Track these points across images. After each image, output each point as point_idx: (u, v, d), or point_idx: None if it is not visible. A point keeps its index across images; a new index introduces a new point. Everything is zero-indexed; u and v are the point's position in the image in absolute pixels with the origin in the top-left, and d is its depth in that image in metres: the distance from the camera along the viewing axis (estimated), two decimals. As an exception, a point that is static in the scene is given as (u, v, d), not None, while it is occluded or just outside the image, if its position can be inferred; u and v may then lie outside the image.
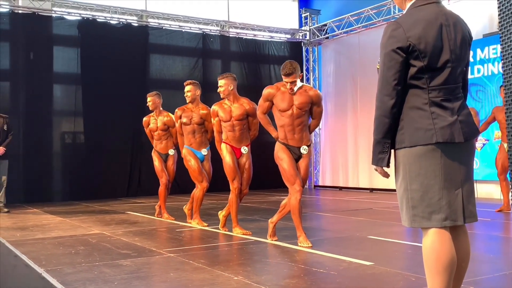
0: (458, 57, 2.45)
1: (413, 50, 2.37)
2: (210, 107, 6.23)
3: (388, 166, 2.48)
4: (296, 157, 5.16)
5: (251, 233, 5.87)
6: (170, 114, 7.51)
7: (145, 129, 7.77)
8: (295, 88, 5.05)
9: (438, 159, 2.38)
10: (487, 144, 9.43)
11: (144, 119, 7.72)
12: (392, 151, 2.50)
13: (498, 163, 7.71)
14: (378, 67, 2.47)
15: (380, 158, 2.46)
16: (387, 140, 2.45)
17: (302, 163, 5.17)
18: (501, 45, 2.71)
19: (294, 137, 5.13)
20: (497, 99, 9.51)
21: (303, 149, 5.15)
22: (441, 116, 2.38)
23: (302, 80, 5.45)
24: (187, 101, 6.74)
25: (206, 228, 6.48)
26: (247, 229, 5.99)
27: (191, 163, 6.63)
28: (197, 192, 6.65)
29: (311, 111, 5.23)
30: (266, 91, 5.24)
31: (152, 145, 7.74)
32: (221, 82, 5.93)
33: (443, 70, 2.41)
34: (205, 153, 6.73)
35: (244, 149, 6.00)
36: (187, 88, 6.72)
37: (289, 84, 5.02)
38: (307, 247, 4.95)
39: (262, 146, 9.86)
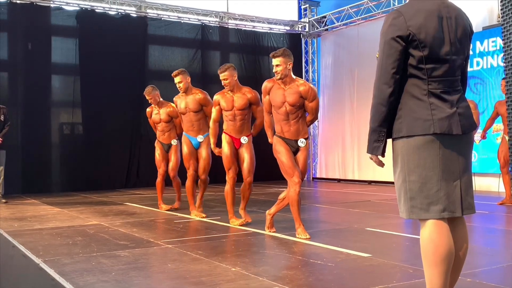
0: (458, 50, 2.45)
1: (413, 39, 2.36)
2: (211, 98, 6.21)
3: (383, 155, 2.48)
4: (294, 150, 5.15)
5: (250, 219, 5.86)
6: (173, 105, 7.49)
7: (148, 119, 7.77)
8: (279, 74, 5.01)
9: (436, 151, 2.38)
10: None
11: (147, 110, 7.72)
12: (389, 142, 2.50)
13: (500, 156, 7.65)
14: (377, 56, 2.46)
15: (375, 147, 2.46)
16: (383, 128, 2.44)
17: (300, 156, 5.16)
18: (502, 39, 2.70)
19: (290, 129, 5.12)
20: (496, 91, 9.48)
21: (301, 142, 5.14)
22: (439, 107, 2.38)
23: (301, 73, 5.44)
24: (181, 92, 6.69)
25: (205, 219, 6.48)
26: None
27: (183, 150, 6.76)
28: (187, 181, 6.65)
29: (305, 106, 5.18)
30: (263, 85, 5.26)
31: (155, 135, 7.76)
32: (224, 75, 5.84)
33: (443, 62, 2.40)
34: (201, 140, 6.67)
35: (244, 139, 5.97)
36: (176, 79, 6.62)
37: (274, 67, 5.04)
38: (305, 238, 4.95)
39: (260, 137, 9.82)
